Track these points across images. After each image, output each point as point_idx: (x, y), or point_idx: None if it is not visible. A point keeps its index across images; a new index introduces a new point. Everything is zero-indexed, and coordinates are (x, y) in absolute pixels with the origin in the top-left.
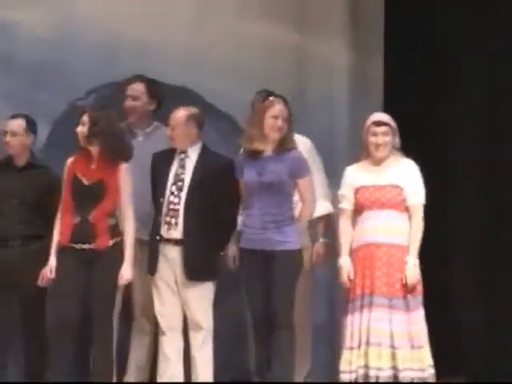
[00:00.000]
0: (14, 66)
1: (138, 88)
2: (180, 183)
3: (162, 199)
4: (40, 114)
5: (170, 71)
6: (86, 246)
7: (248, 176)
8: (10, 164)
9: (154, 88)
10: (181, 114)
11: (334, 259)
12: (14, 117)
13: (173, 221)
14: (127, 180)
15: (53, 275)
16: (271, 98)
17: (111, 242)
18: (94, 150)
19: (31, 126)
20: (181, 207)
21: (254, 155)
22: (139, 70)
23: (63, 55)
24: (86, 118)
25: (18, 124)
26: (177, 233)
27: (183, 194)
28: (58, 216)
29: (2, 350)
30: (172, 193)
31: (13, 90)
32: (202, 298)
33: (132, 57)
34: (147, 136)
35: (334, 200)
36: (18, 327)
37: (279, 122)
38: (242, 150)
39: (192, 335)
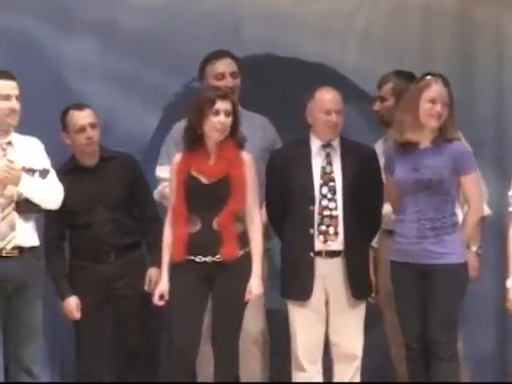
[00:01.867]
0: (117, 37)
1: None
2: (332, 183)
3: (311, 206)
4: (148, 97)
5: (304, 45)
6: (209, 259)
7: (400, 173)
8: (79, 167)
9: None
10: (335, 95)
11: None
12: (80, 108)
13: (331, 230)
14: (253, 174)
15: (166, 298)
16: (428, 78)
17: (240, 253)
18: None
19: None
20: (339, 213)
21: (408, 148)
22: (267, 43)
23: (175, 26)
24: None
25: (91, 114)
26: (336, 244)
27: (339, 197)
28: (167, 226)
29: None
30: (324, 196)
31: (115, 68)
32: (357, 321)
33: (257, 28)
34: None
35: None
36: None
37: (437, 107)
38: (392, 142)
39: (339, 368)
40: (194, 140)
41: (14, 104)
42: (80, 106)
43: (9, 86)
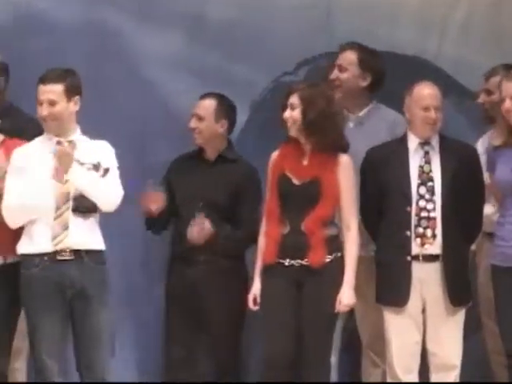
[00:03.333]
0: (204, 31)
1: (348, 57)
2: (430, 183)
3: (408, 207)
4: (236, 92)
5: (399, 37)
6: (297, 263)
7: (500, 173)
8: (199, 158)
9: (369, 59)
10: (434, 91)
11: None
12: (203, 97)
13: (428, 232)
14: (350, 177)
15: (257, 305)
16: None
17: (329, 258)
18: (307, 140)
19: (225, 109)
20: (437, 214)
21: (510, 147)
22: (361, 35)
23: (264, 17)
24: (295, 99)
25: (207, 106)
26: (434, 247)
27: (437, 198)
28: (262, 226)
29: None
30: (422, 196)
31: (202, 62)
32: (456, 329)
33: (351, 19)
34: (359, 122)
35: None
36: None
37: None
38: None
39: (437, 378)
40: (289, 136)
41: (50, 110)
42: (205, 95)
43: (42, 91)
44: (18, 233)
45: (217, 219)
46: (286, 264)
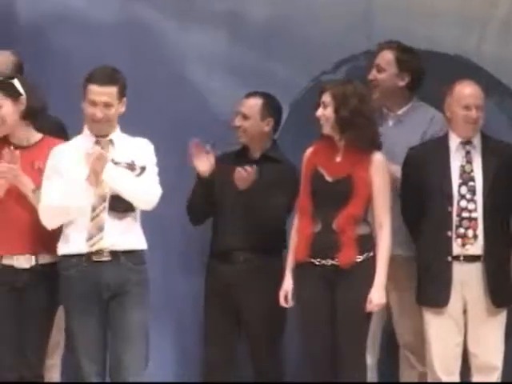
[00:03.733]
0: (242, 28)
1: (385, 57)
2: (471, 183)
3: (449, 207)
4: (275, 91)
5: (439, 35)
6: (328, 262)
7: None
8: (243, 156)
9: (407, 58)
10: (475, 89)
11: None
12: (248, 95)
13: (470, 233)
14: (384, 175)
15: (290, 302)
16: None
17: (360, 258)
18: (340, 137)
19: (271, 108)
20: (479, 215)
21: None
22: (400, 33)
23: (304, 16)
24: (328, 97)
25: (252, 105)
26: (475, 248)
27: (479, 198)
28: (295, 222)
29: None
30: (463, 196)
31: (241, 61)
32: (498, 331)
33: (391, 17)
34: (398, 120)
35: None
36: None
37: None
38: None
39: (479, 380)
40: (323, 133)
41: (106, 112)
42: (250, 94)
43: (98, 92)
44: (50, 234)
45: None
46: (317, 263)
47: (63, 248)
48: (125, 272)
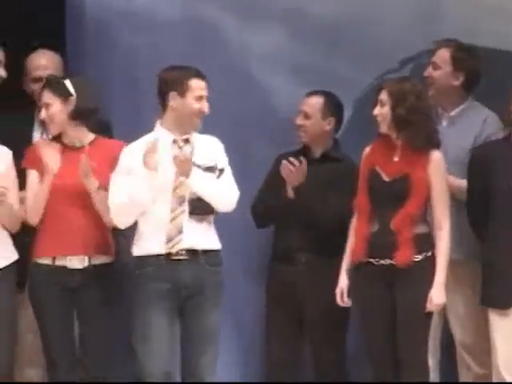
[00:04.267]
0: (305, 26)
1: (441, 55)
2: None
3: None
4: (338, 89)
5: (510, 33)
6: (386, 262)
7: None
8: (304, 156)
9: (464, 57)
10: None
11: None
12: (310, 94)
13: None
14: (442, 174)
15: (346, 301)
16: None
17: (418, 257)
18: (397, 136)
19: (333, 107)
20: None
21: None
22: (469, 31)
23: (368, 12)
24: (385, 95)
25: (313, 103)
26: None
27: None
28: (353, 221)
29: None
30: None
31: (303, 58)
32: None
33: (460, 14)
34: (451, 121)
35: None
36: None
37: None
38: None
39: None
40: (380, 132)
41: (205, 106)
42: (312, 93)
43: (203, 87)
44: (103, 235)
45: None
46: (375, 263)
47: (139, 249)
48: (203, 272)
